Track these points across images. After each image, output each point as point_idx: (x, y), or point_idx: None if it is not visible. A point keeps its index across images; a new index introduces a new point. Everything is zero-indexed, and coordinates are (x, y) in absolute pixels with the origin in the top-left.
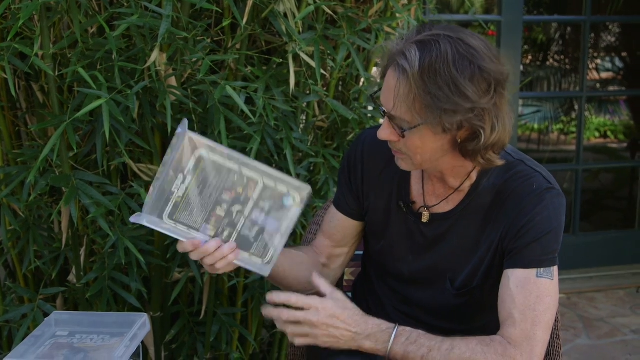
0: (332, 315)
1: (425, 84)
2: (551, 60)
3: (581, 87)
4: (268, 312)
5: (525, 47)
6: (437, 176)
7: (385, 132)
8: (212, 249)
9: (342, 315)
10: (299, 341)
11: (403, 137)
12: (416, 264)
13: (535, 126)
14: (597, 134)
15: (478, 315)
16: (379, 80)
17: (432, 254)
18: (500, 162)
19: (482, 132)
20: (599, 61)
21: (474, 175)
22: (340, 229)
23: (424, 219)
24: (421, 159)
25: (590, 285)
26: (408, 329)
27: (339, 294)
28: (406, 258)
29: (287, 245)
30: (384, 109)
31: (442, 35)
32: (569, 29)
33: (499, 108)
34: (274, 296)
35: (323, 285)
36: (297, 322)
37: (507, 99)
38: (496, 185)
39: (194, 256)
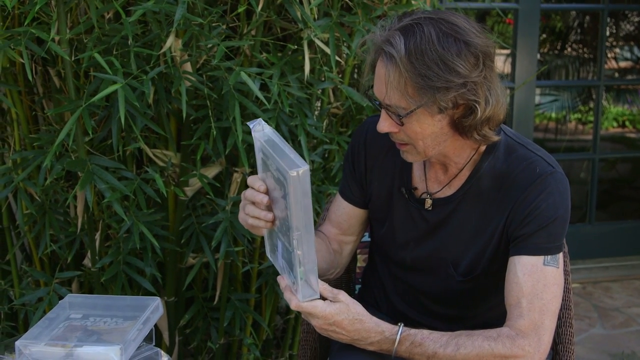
0: (332, 324)
1: (414, 66)
2: (569, 49)
3: (599, 76)
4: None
5: (543, 35)
6: (439, 162)
7: (384, 124)
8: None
9: (342, 322)
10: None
11: (402, 124)
12: (418, 251)
13: (553, 115)
14: (615, 124)
15: (482, 301)
16: (369, 76)
17: (434, 240)
18: (496, 138)
19: (477, 106)
20: (617, 50)
21: (475, 159)
22: (346, 217)
23: (427, 205)
24: (424, 145)
25: (606, 275)
26: (412, 331)
27: (342, 296)
28: (408, 245)
29: None
30: (378, 101)
31: (424, 18)
32: (587, 17)
33: (490, 81)
34: (281, 282)
35: (325, 290)
36: None
37: (497, 72)
38: (498, 168)
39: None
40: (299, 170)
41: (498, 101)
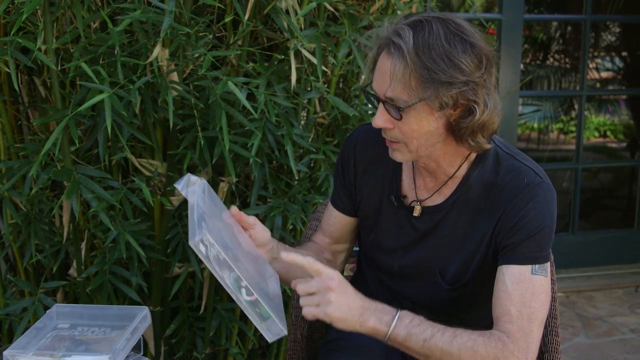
0: (345, 284)
1: (421, 59)
2: (551, 59)
3: (581, 86)
4: (293, 284)
5: (526, 45)
6: (429, 169)
7: (380, 119)
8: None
9: (350, 288)
10: (309, 310)
11: (400, 118)
12: (406, 258)
13: (535, 125)
14: (596, 134)
15: (470, 310)
16: (368, 73)
17: (422, 248)
18: (488, 146)
19: (476, 107)
20: (599, 60)
21: (464, 167)
22: (338, 226)
23: (416, 213)
24: (417, 144)
25: (589, 284)
26: (411, 313)
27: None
28: (396, 252)
29: (295, 245)
30: (377, 95)
31: (432, 17)
32: (569, 27)
33: (489, 86)
34: (287, 255)
35: (323, 267)
36: (310, 294)
37: (494, 80)
38: (487, 178)
39: None
40: (194, 241)
41: (495, 108)
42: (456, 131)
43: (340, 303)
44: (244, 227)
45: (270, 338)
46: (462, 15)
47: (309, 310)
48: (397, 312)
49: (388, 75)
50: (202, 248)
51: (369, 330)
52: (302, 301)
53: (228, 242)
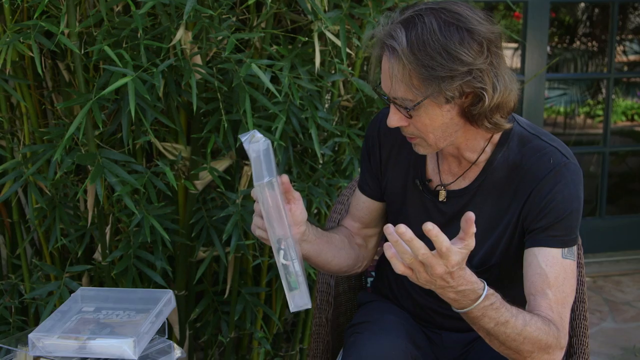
0: (450, 273)
1: (417, 57)
2: (578, 42)
3: (609, 69)
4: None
5: (552, 28)
6: (453, 153)
7: (394, 119)
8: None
9: (456, 273)
10: (401, 269)
11: (410, 117)
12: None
13: (562, 109)
14: (623, 118)
15: (497, 292)
16: (377, 71)
17: (449, 232)
18: (507, 125)
19: (484, 93)
20: (626, 43)
21: (488, 150)
22: (366, 211)
23: (441, 197)
24: (434, 137)
25: (617, 268)
26: (495, 294)
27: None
28: (423, 237)
29: (327, 229)
30: (386, 96)
31: (425, 9)
32: (596, 10)
33: (497, 67)
34: (403, 230)
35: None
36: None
37: (504, 58)
38: (512, 160)
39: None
40: (263, 182)
41: (506, 87)
42: (471, 117)
43: (427, 280)
44: (287, 199)
45: (292, 308)
46: None
47: (401, 268)
48: (483, 292)
49: (389, 78)
50: (268, 192)
51: (447, 299)
52: (406, 257)
53: (281, 204)
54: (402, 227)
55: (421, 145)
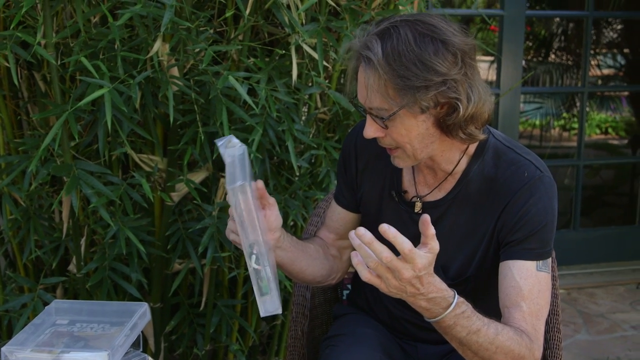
0: (418, 278)
1: (392, 67)
2: (553, 56)
3: (583, 83)
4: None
5: (528, 42)
6: (428, 165)
7: (370, 129)
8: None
9: (425, 279)
10: (367, 276)
11: (386, 127)
12: None
13: (537, 122)
14: (598, 131)
15: (472, 304)
16: (352, 83)
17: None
18: (482, 137)
19: (458, 103)
20: (601, 57)
21: (464, 162)
22: (342, 222)
23: (416, 209)
24: (412, 148)
25: (590, 280)
26: (466, 303)
27: (435, 246)
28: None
29: (301, 238)
30: (362, 107)
31: (400, 21)
32: (571, 24)
33: (471, 78)
34: (362, 233)
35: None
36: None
37: (477, 69)
38: (487, 172)
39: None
40: (235, 186)
41: (480, 98)
42: (446, 128)
43: (397, 288)
44: (262, 205)
45: (263, 313)
46: (464, 12)
47: (368, 276)
48: (454, 300)
49: (365, 88)
50: (240, 196)
51: (419, 309)
52: (372, 264)
53: (254, 209)
54: (361, 230)
55: (400, 157)
